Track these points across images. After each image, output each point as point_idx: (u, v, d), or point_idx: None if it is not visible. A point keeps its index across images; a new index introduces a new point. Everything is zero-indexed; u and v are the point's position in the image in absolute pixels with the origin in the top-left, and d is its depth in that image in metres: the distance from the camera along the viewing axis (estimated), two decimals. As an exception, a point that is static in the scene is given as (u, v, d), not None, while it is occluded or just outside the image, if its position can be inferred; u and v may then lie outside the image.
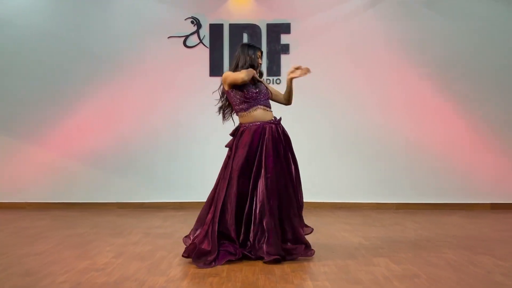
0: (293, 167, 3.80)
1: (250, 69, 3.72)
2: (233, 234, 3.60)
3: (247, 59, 3.80)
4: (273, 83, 6.45)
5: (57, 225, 5.24)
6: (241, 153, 3.67)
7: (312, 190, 6.31)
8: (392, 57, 6.57)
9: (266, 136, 3.67)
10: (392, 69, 6.58)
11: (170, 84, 6.64)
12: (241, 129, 3.78)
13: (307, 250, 3.67)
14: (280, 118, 3.84)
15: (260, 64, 3.89)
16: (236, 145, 3.73)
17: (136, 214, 6.03)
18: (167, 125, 6.61)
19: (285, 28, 6.56)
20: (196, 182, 6.35)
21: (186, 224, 4.84)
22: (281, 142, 3.73)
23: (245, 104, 3.75)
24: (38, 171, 6.62)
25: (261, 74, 3.93)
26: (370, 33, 6.61)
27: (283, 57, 6.53)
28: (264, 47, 6.49)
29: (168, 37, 6.61)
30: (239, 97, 3.75)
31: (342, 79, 6.59)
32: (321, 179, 6.52)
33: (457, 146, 6.53)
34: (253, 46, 3.88)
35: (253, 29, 6.55)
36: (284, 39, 6.58)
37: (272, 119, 3.78)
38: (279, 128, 3.77)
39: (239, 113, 3.81)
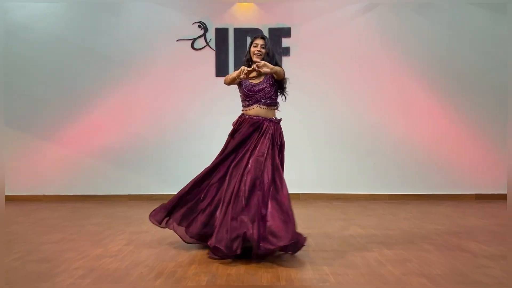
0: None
1: (241, 68, 3.55)
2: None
3: (246, 54, 3.80)
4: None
5: (73, 216, 5.46)
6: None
7: (311, 183, 6.77)
8: (385, 59, 6.86)
9: (261, 129, 3.63)
10: (386, 71, 6.88)
11: (178, 84, 6.90)
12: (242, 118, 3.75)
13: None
14: (280, 119, 3.77)
15: (260, 52, 3.68)
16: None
17: (146, 205, 6.05)
18: (175, 123, 6.87)
19: (286, 32, 6.85)
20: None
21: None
22: (275, 139, 3.65)
23: (245, 102, 3.75)
24: (55, 166, 6.88)
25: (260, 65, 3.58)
26: (365, 37, 6.88)
27: (284, 59, 6.74)
28: (266, 50, 6.79)
29: (177, 40, 6.89)
30: (241, 94, 3.77)
31: (339, 79, 6.87)
32: (319, 172, 6.84)
33: (443, 141, 6.83)
34: (253, 38, 3.80)
35: (256, 32, 6.61)
36: (285, 42, 6.86)
37: (272, 118, 3.69)
38: (277, 127, 3.69)
39: (242, 109, 3.80)
